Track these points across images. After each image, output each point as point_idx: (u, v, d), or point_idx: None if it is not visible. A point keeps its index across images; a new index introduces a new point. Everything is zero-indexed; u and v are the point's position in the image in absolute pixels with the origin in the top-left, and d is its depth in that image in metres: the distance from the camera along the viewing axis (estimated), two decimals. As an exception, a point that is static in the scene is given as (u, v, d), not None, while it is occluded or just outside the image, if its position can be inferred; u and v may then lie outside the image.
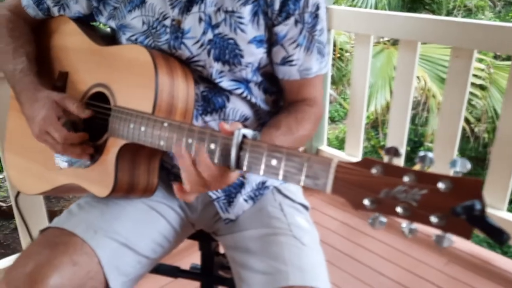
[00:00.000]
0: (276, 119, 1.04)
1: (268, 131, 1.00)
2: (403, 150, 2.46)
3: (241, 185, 1.14)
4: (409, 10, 6.27)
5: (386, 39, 6.24)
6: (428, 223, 0.63)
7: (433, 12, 6.58)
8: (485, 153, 6.38)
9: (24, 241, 1.90)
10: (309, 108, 1.10)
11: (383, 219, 0.68)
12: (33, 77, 1.09)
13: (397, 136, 2.41)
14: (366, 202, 0.67)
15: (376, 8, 5.90)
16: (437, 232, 0.64)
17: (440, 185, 0.62)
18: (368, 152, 7.04)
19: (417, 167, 0.67)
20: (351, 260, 2.13)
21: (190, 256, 1.93)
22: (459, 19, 2.42)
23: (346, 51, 5.59)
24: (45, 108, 1.01)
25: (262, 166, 0.76)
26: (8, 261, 1.85)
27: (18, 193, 1.33)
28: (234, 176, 0.83)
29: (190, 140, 0.84)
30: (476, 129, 6.40)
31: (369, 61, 2.43)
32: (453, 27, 2.05)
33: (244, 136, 0.79)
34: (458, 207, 0.60)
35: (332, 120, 8.30)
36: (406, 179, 0.64)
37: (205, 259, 1.41)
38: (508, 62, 5.83)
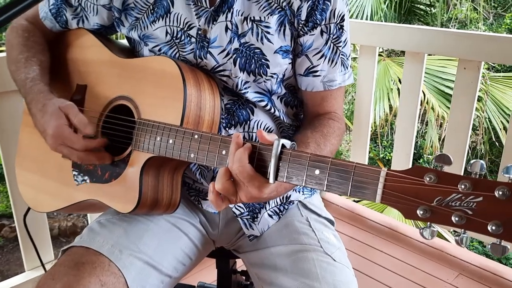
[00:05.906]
0: (303, 136, 0.99)
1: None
2: (410, 162, 2.44)
3: (265, 199, 1.11)
4: (404, 22, 6.32)
5: (380, 50, 6.28)
6: (484, 231, 0.62)
7: (427, 24, 6.64)
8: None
9: (28, 262, 1.83)
10: (333, 122, 1.07)
11: (435, 228, 0.67)
12: (43, 86, 1.04)
13: (403, 148, 2.39)
14: (419, 211, 0.65)
15: (372, 19, 5.93)
16: (492, 240, 0.63)
17: (498, 193, 0.60)
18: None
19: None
20: (362, 275, 2.08)
21: (196, 275, 1.87)
22: (467, 31, 2.43)
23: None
24: (54, 117, 0.96)
25: (304, 177, 0.74)
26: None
27: (27, 212, 1.28)
28: (271, 188, 0.79)
29: (224, 152, 0.82)
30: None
31: (374, 73, 2.42)
32: (461, 39, 2.05)
33: (283, 146, 0.76)
34: None
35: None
36: (461, 186, 0.62)
37: (222, 277, 1.36)
38: (502, 74, 5.94)
